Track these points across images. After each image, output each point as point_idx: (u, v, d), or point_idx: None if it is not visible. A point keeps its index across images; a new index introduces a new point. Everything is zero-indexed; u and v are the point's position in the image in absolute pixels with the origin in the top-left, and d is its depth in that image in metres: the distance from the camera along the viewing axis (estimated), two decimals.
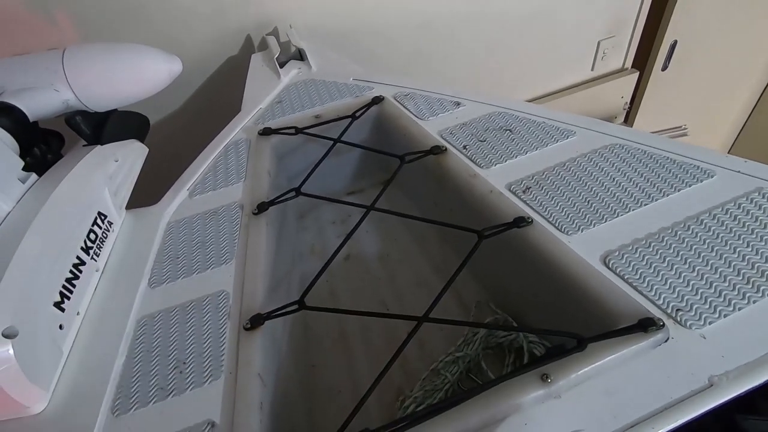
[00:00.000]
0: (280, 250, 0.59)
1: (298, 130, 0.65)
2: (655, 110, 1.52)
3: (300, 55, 0.84)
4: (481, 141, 0.60)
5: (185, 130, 0.94)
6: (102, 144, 0.54)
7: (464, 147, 0.59)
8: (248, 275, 0.48)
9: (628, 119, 1.56)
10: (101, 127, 0.55)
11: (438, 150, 0.58)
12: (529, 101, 1.38)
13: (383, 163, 0.72)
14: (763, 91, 1.67)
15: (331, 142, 0.62)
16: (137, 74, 0.53)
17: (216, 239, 0.53)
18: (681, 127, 1.38)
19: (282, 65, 0.82)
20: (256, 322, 0.43)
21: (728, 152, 1.85)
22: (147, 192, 0.63)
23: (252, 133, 0.67)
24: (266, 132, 0.66)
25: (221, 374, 0.40)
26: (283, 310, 0.43)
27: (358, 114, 0.66)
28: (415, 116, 0.66)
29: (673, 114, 1.55)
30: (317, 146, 0.66)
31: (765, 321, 0.38)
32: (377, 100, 0.69)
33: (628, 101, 1.48)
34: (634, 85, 1.45)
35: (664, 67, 1.43)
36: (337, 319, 0.61)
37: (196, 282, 0.48)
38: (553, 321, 0.49)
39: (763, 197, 0.47)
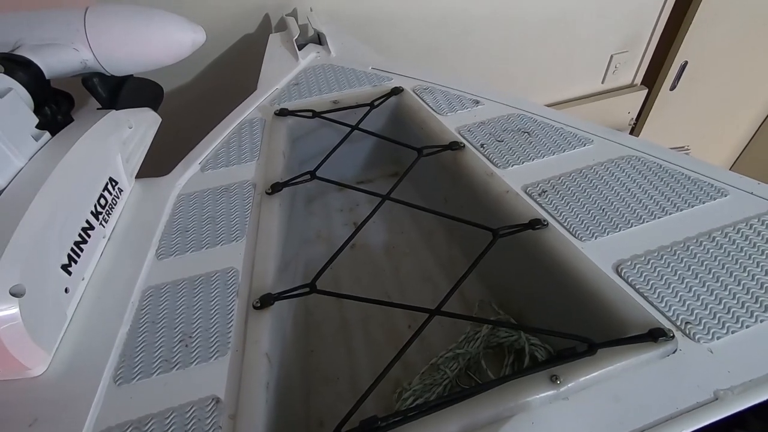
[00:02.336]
0: (289, 233, 0.58)
1: (316, 114, 0.64)
2: (659, 128, 1.54)
3: (319, 39, 0.83)
4: (498, 141, 0.60)
5: (197, 103, 0.93)
6: (117, 109, 0.53)
7: (482, 145, 0.59)
8: (259, 254, 0.47)
9: (633, 135, 1.57)
10: (117, 91, 0.53)
11: (456, 146, 0.58)
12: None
13: (395, 154, 0.72)
14: (764, 120, 1.70)
15: (348, 128, 0.61)
16: (160, 41, 0.52)
17: (227, 216, 0.52)
18: (684, 147, 1.40)
19: (300, 48, 0.81)
20: (266, 301, 0.42)
21: (731, 167, 1.88)
22: (156, 163, 0.61)
23: (268, 113, 0.66)
24: (283, 113, 0.65)
25: (228, 351, 0.40)
26: (295, 292, 0.42)
27: (376, 103, 0.66)
28: (434, 110, 0.65)
29: (677, 134, 1.57)
30: (332, 132, 0.65)
31: None
32: (397, 90, 0.68)
33: (635, 117, 1.50)
34: (641, 102, 1.47)
35: (673, 87, 1.45)
36: (339, 307, 0.61)
37: (205, 257, 0.48)
38: (558, 325, 0.50)
39: None
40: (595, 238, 0.47)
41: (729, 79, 1.52)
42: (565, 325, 0.49)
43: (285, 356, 0.46)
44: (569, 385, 0.36)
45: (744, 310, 0.40)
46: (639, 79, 1.45)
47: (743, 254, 0.45)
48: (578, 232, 0.48)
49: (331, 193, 0.75)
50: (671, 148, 1.48)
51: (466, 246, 0.64)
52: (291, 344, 0.50)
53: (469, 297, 0.61)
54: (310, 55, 0.79)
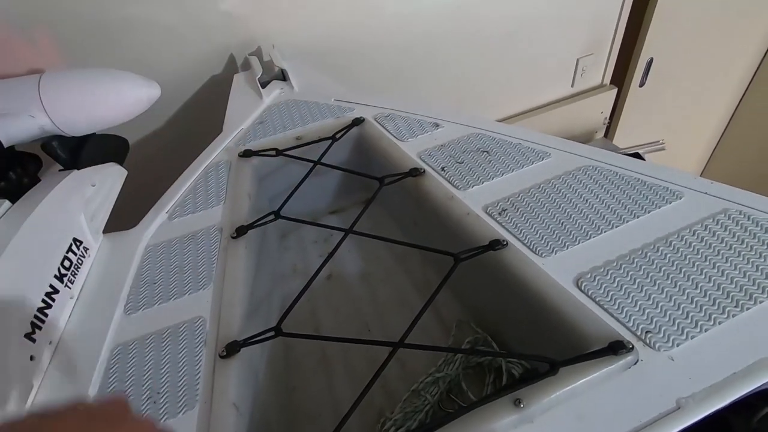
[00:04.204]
0: (261, 272, 0.59)
1: (279, 152, 0.65)
2: (633, 125, 1.56)
3: (283, 75, 0.85)
4: (458, 163, 0.61)
5: (167, 151, 0.94)
6: (79, 168, 0.54)
7: (442, 169, 0.60)
8: (225, 301, 0.47)
9: (608, 134, 1.59)
10: (78, 151, 0.54)
11: (416, 172, 0.59)
12: (512, 117, 1.41)
13: (365, 182, 0.72)
14: (738, 104, 1.73)
15: (311, 163, 0.62)
16: (115, 101, 0.53)
17: (194, 263, 0.52)
18: (658, 142, 1.42)
19: (264, 85, 0.82)
20: (232, 349, 0.42)
21: (706, 164, 1.90)
22: (128, 215, 0.62)
23: (233, 155, 0.67)
24: (247, 154, 0.66)
25: (196, 404, 0.40)
26: (260, 337, 0.43)
27: (338, 136, 0.67)
28: (395, 138, 0.67)
29: (652, 128, 1.59)
30: (298, 167, 0.66)
31: (730, 341, 0.39)
32: (358, 121, 0.70)
33: (608, 116, 1.52)
34: (613, 101, 1.49)
35: (642, 84, 1.47)
36: (318, 341, 0.61)
37: (173, 308, 0.48)
38: (529, 342, 0.50)
39: (729, 218, 0.48)
40: (555, 253, 0.48)
41: (696, 70, 1.55)
42: (534, 342, 0.49)
43: (259, 401, 0.46)
44: (533, 407, 0.36)
45: (702, 314, 0.41)
46: (608, 79, 1.48)
47: (699, 256, 0.45)
48: (538, 249, 0.49)
49: (305, 226, 0.76)
50: (646, 143, 1.49)
51: (440, 268, 0.64)
52: (267, 386, 0.50)
53: (446, 317, 0.61)
54: (274, 93, 0.81)
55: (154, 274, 0.52)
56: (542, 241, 0.49)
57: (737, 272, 0.43)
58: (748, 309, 0.41)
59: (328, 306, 0.65)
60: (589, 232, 0.49)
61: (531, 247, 0.49)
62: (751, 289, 0.42)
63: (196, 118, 0.94)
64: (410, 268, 0.67)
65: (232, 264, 0.51)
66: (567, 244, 0.49)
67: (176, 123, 0.94)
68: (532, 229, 0.51)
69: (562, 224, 0.51)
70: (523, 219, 0.52)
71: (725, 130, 1.77)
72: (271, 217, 0.55)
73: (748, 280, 0.43)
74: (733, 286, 0.42)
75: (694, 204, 0.51)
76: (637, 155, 1.31)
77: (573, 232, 0.50)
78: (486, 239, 0.50)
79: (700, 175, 1.95)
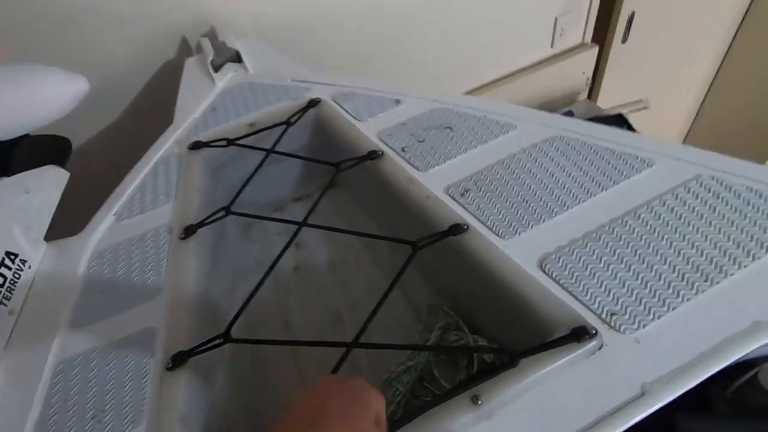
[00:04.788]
0: (220, 269, 0.56)
1: (230, 142, 0.61)
2: (617, 84, 1.51)
3: (237, 57, 0.80)
4: (420, 141, 0.57)
5: (119, 147, 0.89)
6: (9, 175, 0.50)
7: (403, 149, 0.57)
8: (173, 309, 0.45)
9: (591, 94, 1.54)
10: (6, 157, 0.50)
11: (374, 155, 0.56)
12: (490, 84, 1.35)
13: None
14: (723, 58, 1.68)
15: (263, 153, 0.59)
16: (35, 99, 0.49)
17: (142, 269, 0.49)
18: (642, 101, 1.37)
19: (218, 69, 0.77)
20: (179, 361, 0.40)
21: (692, 122, 1.86)
22: (79, 218, 0.59)
23: (183, 148, 0.63)
24: (196, 146, 0.62)
25: (143, 420, 0.38)
26: (207, 345, 0.40)
27: (293, 120, 0.63)
28: (354, 118, 0.63)
29: (635, 87, 1.54)
30: (254, 156, 0.63)
31: (697, 320, 0.37)
32: (313, 102, 0.66)
33: (590, 77, 1.46)
34: (594, 60, 1.43)
35: (624, 40, 1.41)
36: (286, 333, 0.59)
37: (121, 319, 0.46)
38: (498, 326, 0.48)
39: (700, 185, 0.46)
40: (519, 234, 0.45)
41: (679, 24, 1.48)
42: (502, 327, 0.47)
43: (219, 410, 0.44)
44: (491, 403, 0.34)
45: (670, 291, 0.39)
46: (588, 37, 1.41)
47: (669, 228, 0.43)
48: (501, 231, 0.46)
49: (270, 215, 0.72)
50: (630, 102, 1.44)
51: (408, 254, 0.62)
52: (230, 392, 0.48)
53: (418, 302, 0.59)
54: (227, 76, 0.76)
55: (102, 283, 0.49)
56: (505, 222, 0.46)
57: (708, 243, 0.41)
58: (717, 283, 0.39)
59: (298, 299, 0.63)
60: (555, 209, 0.47)
61: (493, 229, 0.46)
62: (722, 261, 0.40)
63: (149, 110, 0.89)
64: (379, 255, 0.65)
65: (180, 267, 0.48)
66: (531, 223, 0.46)
67: (127, 116, 0.88)
68: (495, 210, 0.48)
69: (526, 202, 0.48)
70: (486, 199, 0.49)
71: (712, 83, 1.72)
72: (222, 213, 0.52)
73: (719, 252, 0.40)
74: (703, 258, 0.40)
75: (665, 171, 0.48)
76: (620, 116, 1.27)
77: (538, 210, 0.47)
78: (447, 223, 0.47)
79: (687, 133, 1.90)
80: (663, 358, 0.35)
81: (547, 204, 0.47)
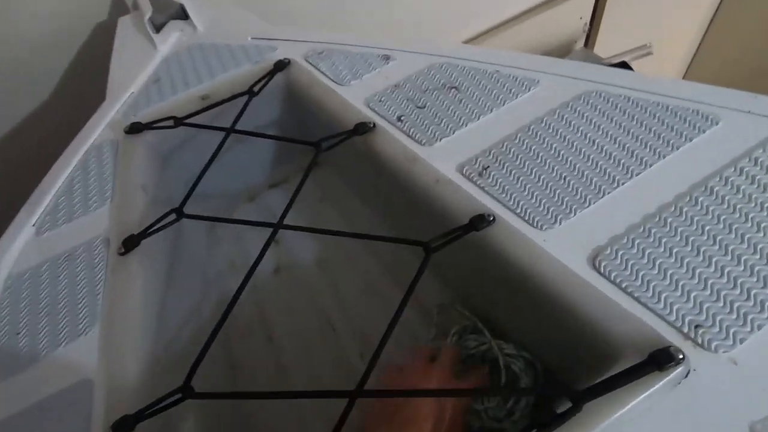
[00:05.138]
0: (178, 285, 0.45)
1: (179, 121, 0.48)
2: (616, 29, 1.38)
3: (183, 12, 0.65)
4: (420, 108, 0.45)
5: (41, 136, 0.73)
6: None
7: (399, 119, 0.45)
8: (113, 352, 0.34)
9: (588, 42, 1.42)
10: None
11: (364, 128, 0.44)
12: (476, 38, 1.21)
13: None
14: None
15: (223, 132, 0.46)
16: None
17: (72, 298, 0.38)
18: (645, 46, 1.25)
19: (159, 29, 0.62)
20: (123, 429, 0.30)
21: (689, 64, 1.76)
22: None
23: (119, 131, 0.50)
24: (135, 128, 0.49)
25: None
26: (160, 405, 0.30)
27: (257, 88, 0.50)
28: (334, 81, 0.50)
29: (636, 32, 1.41)
30: (213, 136, 0.50)
31: None
32: (281, 65, 0.52)
33: (588, 21, 1.33)
34: (593, 2, 1.30)
35: None
36: (269, 349, 0.50)
37: (45, 369, 0.34)
38: (532, 334, 0.39)
39: None
40: (560, 223, 0.35)
41: None
42: (540, 338, 0.38)
43: None
44: None
45: None
46: None
47: (754, 205, 0.33)
48: (537, 220, 0.36)
49: (240, 207, 0.61)
50: (632, 49, 1.32)
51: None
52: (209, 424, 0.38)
53: (427, 302, 0.49)
54: (171, 37, 0.61)
55: (18, 319, 0.38)
56: (540, 208, 0.36)
57: None
58: None
59: (280, 306, 0.53)
60: (602, 187, 0.36)
61: (527, 218, 0.36)
62: None
63: (74, 86, 0.73)
64: (376, 247, 0.54)
65: (122, 293, 0.37)
66: (574, 207, 0.36)
67: (48, 97, 0.72)
68: (526, 192, 0.37)
69: (564, 180, 0.37)
70: (512, 178, 0.38)
71: (709, 25, 1.61)
72: (172, 217, 0.40)
73: None
74: None
75: (735, 129, 0.38)
76: (623, 65, 1.16)
77: (581, 190, 0.37)
78: (465, 215, 0.36)
79: (684, 76, 1.79)
80: None
81: (591, 181, 0.37)
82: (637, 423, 0.26)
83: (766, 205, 0.33)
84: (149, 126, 0.48)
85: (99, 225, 0.42)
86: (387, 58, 0.51)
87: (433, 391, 0.27)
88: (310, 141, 0.43)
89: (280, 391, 0.30)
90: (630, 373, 0.27)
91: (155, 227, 0.39)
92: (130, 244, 0.39)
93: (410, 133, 0.43)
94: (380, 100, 0.47)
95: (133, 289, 0.37)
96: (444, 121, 0.44)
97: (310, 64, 0.53)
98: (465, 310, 0.45)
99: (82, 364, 0.34)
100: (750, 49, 1.58)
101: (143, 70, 0.57)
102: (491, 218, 0.35)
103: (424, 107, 0.45)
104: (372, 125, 0.44)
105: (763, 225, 0.32)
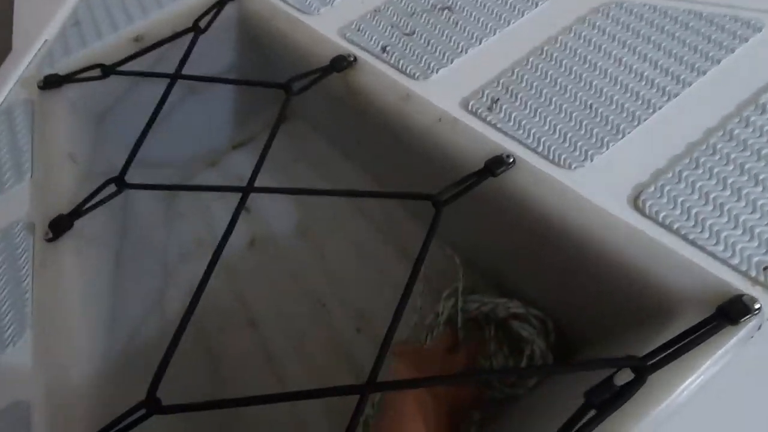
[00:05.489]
0: (134, 268, 0.37)
1: (108, 70, 0.38)
2: None
3: None
4: (408, 35, 0.37)
5: None
6: None
7: (384, 49, 0.37)
8: (53, 363, 0.27)
9: None
10: None
11: (343, 63, 0.36)
12: None
13: (274, 90, 0.48)
14: None
15: (168, 80, 0.37)
16: None
17: None
18: None
19: None
20: None
21: None
22: None
23: (33, 87, 0.40)
24: (52, 82, 0.39)
25: None
26: (119, 426, 0.23)
27: (202, 24, 0.40)
28: (299, 10, 0.41)
29: None
30: (155, 87, 0.41)
31: None
32: None
33: None
34: None
35: None
36: (254, 337, 0.43)
37: None
38: (558, 293, 0.34)
39: None
40: (591, 160, 0.29)
41: None
42: (565, 297, 0.33)
43: None
44: None
45: None
46: None
47: None
48: (564, 157, 0.30)
49: (201, 174, 0.52)
50: None
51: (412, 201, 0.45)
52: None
53: (430, 270, 0.44)
54: None
55: None
56: (567, 144, 0.30)
57: None
58: None
59: (259, 283, 0.46)
60: (638, 114, 0.30)
61: (552, 157, 0.30)
62: None
63: None
64: (366, 205, 0.48)
65: (53, 289, 0.29)
66: (606, 140, 0.30)
67: None
68: (548, 127, 0.31)
69: (590, 108, 0.31)
70: (528, 112, 0.32)
71: None
72: (112, 188, 0.32)
73: None
74: None
75: None
76: None
77: (612, 119, 0.31)
78: (478, 159, 0.30)
79: None
80: None
81: (622, 107, 0.31)
82: (709, 389, 0.22)
83: None
84: (70, 78, 0.39)
85: (18, 207, 0.34)
86: None
87: (452, 377, 0.22)
88: (277, 83, 0.35)
89: (272, 394, 0.24)
90: (697, 331, 0.22)
91: (90, 203, 0.31)
92: (60, 227, 0.31)
93: (399, 66, 0.36)
94: (359, 29, 0.39)
95: (70, 283, 0.29)
96: (439, 48, 0.36)
97: None
98: (461, 264, 0.40)
99: (12, 383, 0.27)
100: None
101: (57, 12, 0.46)
102: (511, 160, 0.29)
103: (413, 34, 0.37)
104: (352, 59, 0.36)
105: None
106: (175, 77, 0.37)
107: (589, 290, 0.30)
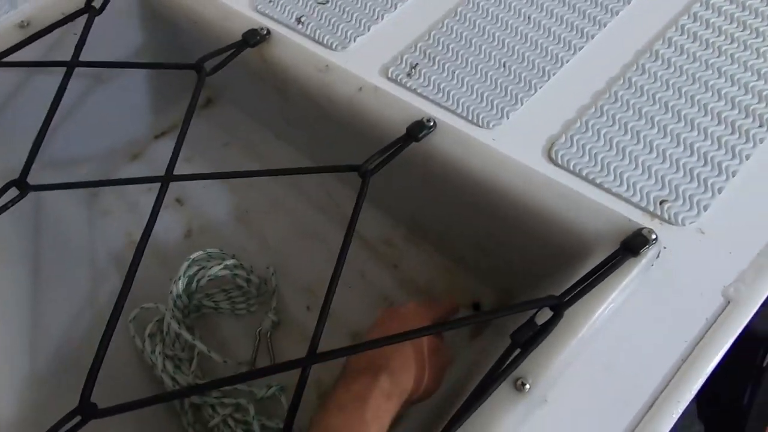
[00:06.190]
0: (56, 274, 0.35)
1: None
2: None
3: None
4: (322, 3, 0.36)
5: None
6: None
7: (299, 20, 0.36)
8: None
9: None
10: None
11: (255, 37, 0.34)
12: None
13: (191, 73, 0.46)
14: None
15: (64, 69, 0.34)
16: None
17: None
18: None
19: None
20: None
21: None
22: None
23: None
24: None
25: None
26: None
27: (96, 3, 0.37)
28: None
29: None
30: (53, 77, 0.37)
31: (764, 181, 0.27)
32: None
33: None
34: None
35: None
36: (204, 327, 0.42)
37: None
38: (494, 251, 0.36)
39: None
40: (508, 117, 0.31)
41: None
42: (502, 254, 0.35)
43: None
44: (541, 383, 0.23)
45: (724, 152, 0.28)
46: None
47: (702, 66, 0.31)
48: (482, 116, 0.31)
49: (122, 168, 0.49)
50: None
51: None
52: None
53: (370, 236, 0.44)
54: None
55: None
56: (485, 104, 0.31)
57: (754, 77, 0.30)
58: None
59: None
60: (547, 69, 0.32)
61: (471, 117, 0.31)
62: None
63: None
64: (304, 184, 0.47)
65: None
66: (520, 96, 0.31)
67: None
68: (465, 88, 0.32)
69: (505, 67, 0.32)
70: (447, 75, 0.32)
71: None
72: (13, 192, 0.29)
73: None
74: (754, 99, 0.29)
75: None
76: None
77: (524, 76, 0.32)
78: (401, 124, 0.30)
79: None
80: (738, 246, 0.26)
81: (533, 64, 0.32)
82: (620, 315, 0.25)
83: (710, 63, 0.31)
84: None
85: None
86: None
87: (400, 335, 0.23)
88: (187, 63, 0.33)
89: (211, 380, 0.23)
90: (605, 266, 0.25)
91: None
92: None
93: (316, 37, 0.35)
94: (270, 1, 0.37)
95: None
96: (355, 16, 0.35)
97: None
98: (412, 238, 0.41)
99: None
100: None
101: None
102: (431, 123, 0.29)
103: (328, 2, 0.36)
104: (265, 32, 0.34)
105: (710, 84, 0.30)
106: (71, 65, 0.34)
107: (515, 242, 0.31)
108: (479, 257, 0.38)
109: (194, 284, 0.39)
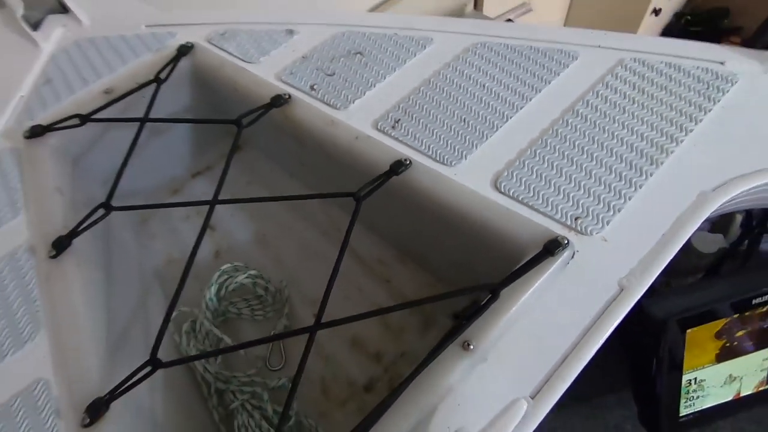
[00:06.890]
0: (118, 280, 0.45)
1: (85, 118, 0.47)
2: None
3: (61, 6, 0.60)
4: (330, 75, 0.48)
5: None
6: None
7: (312, 88, 0.48)
8: (70, 347, 0.34)
9: (477, 5, 1.52)
10: None
11: (280, 100, 0.46)
12: (381, 4, 1.25)
13: (226, 126, 0.58)
14: None
15: (137, 123, 0.46)
16: None
17: (6, 310, 0.37)
18: (525, 3, 1.38)
19: (37, 26, 0.58)
20: (96, 411, 0.31)
21: (567, 15, 1.94)
22: None
23: (17, 138, 0.47)
24: (37, 132, 0.46)
25: None
26: (132, 381, 0.31)
27: (163, 75, 0.49)
28: (243, 60, 0.51)
29: None
30: (125, 130, 0.49)
31: (653, 204, 0.37)
32: (185, 49, 0.52)
33: None
34: None
35: None
36: (228, 329, 0.51)
37: None
38: (464, 264, 0.45)
39: (625, 69, 0.45)
40: (465, 158, 0.41)
41: None
42: (469, 264, 0.44)
43: None
44: (482, 344, 0.31)
45: (622, 182, 0.38)
46: None
47: (608, 119, 0.42)
48: (446, 158, 0.41)
49: (167, 200, 0.60)
50: (514, 8, 1.43)
51: (343, 202, 0.55)
52: (184, 417, 0.40)
53: (364, 255, 0.54)
54: (54, 34, 0.57)
55: None
56: (448, 148, 0.42)
57: (645, 127, 0.41)
58: (662, 164, 0.38)
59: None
60: (495, 123, 0.43)
61: (437, 158, 0.41)
62: (661, 141, 0.40)
63: None
64: (309, 213, 0.57)
65: (63, 294, 0.37)
66: (475, 143, 0.42)
67: None
68: (434, 137, 0.43)
69: (464, 121, 0.43)
70: (421, 127, 0.43)
71: None
72: (101, 211, 0.40)
73: (657, 133, 0.40)
74: (645, 143, 0.40)
75: (590, 61, 0.46)
76: (509, 22, 1.27)
77: (479, 128, 0.43)
78: (385, 163, 0.41)
79: (564, 24, 1.97)
80: (630, 250, 0.35)
81: (486, 119, 0.43)
82: (542, 299, 0.33)
83: (610, 114, 0.41)
84: (52, 127, 0.46)
85: (17, 236, 0.41)
86: (291, 32, 0.53)
87: (387, 308, 0.32)
88: (229, 119, 0.45)
89: (243, 342, 0.33)
90: (531, 262, 0.34)
91: (86, 224, 0.39)
92: (60, 246, 0.38)
93: (325, 100, 0.46)
94: (291, 73, 0.49)
95: (74, 289, 0.37)
96: (354, 84, 0.47)
97: (215, 45, 0.53)
98: (403, 260, 0.50)
99: (34, 367, 0.34)
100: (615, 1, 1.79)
101: (29, 71, 0.53)
102: (408, 162, 0.40)
103: (334, 74, 0.48)
104: (288, 96, 0.46)
105: (609, 129, 0.40)
106: (144, 121, 0.46)
107: (471, 252, 0.41)
108: (454, 274, 0.47)
109: (223, 290, 0.49)
